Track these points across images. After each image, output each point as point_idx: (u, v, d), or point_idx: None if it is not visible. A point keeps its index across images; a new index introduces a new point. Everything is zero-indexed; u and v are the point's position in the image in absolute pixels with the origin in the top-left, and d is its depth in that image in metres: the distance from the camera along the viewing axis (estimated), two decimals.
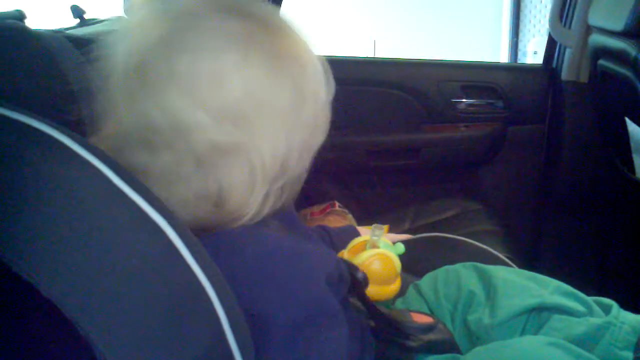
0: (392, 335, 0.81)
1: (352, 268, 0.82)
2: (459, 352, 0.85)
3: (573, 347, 0.74)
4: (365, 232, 1.12)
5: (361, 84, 2.02)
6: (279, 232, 0.72)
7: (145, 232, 0.46)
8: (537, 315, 0.86)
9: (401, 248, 0.94)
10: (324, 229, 1.10)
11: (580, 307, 0.85)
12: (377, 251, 0.90)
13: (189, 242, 0.48)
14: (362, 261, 0.88)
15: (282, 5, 1.95)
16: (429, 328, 0.81)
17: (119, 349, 0.43)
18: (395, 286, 0.92)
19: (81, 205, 0.45)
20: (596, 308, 0.86)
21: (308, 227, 0.84)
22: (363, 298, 0.81)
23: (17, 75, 0.69)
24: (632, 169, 1.62)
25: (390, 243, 0.94)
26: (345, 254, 0.93)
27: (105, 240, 0.44)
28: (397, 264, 0.91)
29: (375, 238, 0.92)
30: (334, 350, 0.65)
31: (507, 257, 1.36)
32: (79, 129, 0.72)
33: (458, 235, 1.43)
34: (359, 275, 0.81)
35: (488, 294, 0.91)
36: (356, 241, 0.95)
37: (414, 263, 1.04)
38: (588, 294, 0.91)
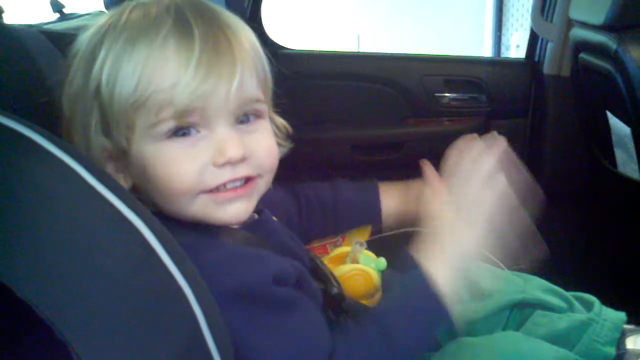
0: None
1: (327, 283, 0.82)
2: (438, 347, 0.85)
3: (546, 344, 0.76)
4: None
5: (345, 79, 2.02)
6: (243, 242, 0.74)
7: (121, 232, 0.46)
8: (519, 311, 0.87)
9: (383, 263, 0.91)
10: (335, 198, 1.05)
11: (561, 303, 0.86)
12: (356, 267, 0.88)
13: (164, 241, 0.47)
14: (340, 275, 0.87)
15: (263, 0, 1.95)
16: None
17: (95, 350, 0.42)
18: (374, 299, 0.91)
19: (56, 205, 0.44)
20: (576, 304, 0.87)
21: (284, 239, 0.82)
22: (339, 310, 0.81)
23: None
24: (613, 163, 1.63)
25: (373, 257, 0.92)
26: (324, 261, 0.92)
27: (81, 240, 0.44)
28: (377, 279, 0.89)
29: (356, 253, 0.90)
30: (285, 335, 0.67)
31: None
32: (54, 124, 0.71)
33: None
34: (334, 290, 0.81)
35: (471, 290, 0.92)
36: (337, 251, 0.94)
37: (397, 258, 1.03)
38: (571, 287, 0.92)
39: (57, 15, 1.48)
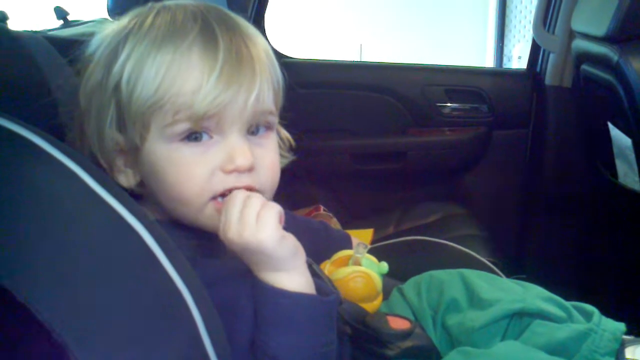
0: (369, 343, 0.80)
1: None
2: (438, 356, 0.85)
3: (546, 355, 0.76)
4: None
5: (347, 88, 2.03)
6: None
7: (121, 235, 0.46)
8: (518, 320, 0.87)
9: (385, 267, 0.92)
10: (326, 227, 1.10)
11: (560, 313, 0.86)
12: (359, 269, 0.89)
13: (164, 246, 0.48)
14: (342, 277, 0.87)
15: (266, 9, 1.95)
16: (406, 334, 0.80)
17: (94, 354, 0.42)
18: (375, 303, 0.90)
19: (57, 208, 0.44)
20: (575, 314, 0.87)
21: None
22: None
23: None
24: (614, 174, 1.63)
25: (375, 261, 0.92)
26: (327, 264, 0.93)
27: (81, 244, 0.44)
28: (378, 283, 0.89)
29: (358, 255, 0.91)
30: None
31: (491, 261, 1.36)
32: (57, 130, 0.72)
33: (442, 239, 1.44)
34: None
35: (471, 300, 0.91)
36: (340, 254, 0.94)
37: (397, 266, 1.04)
38: (571, 298, 0.92)
39: (61, 22, 1.49)
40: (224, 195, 0.70)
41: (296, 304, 0.67)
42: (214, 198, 0.70)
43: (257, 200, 0.67)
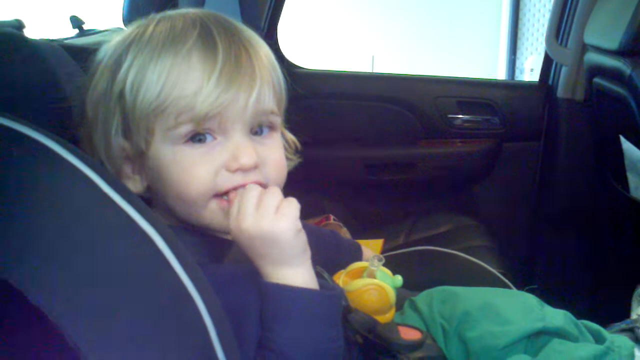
0: (379, 353, 0.80)
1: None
2: None
3: None
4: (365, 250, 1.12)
5: (359, 99, 2.03)
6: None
7: (133, 240, 0.46)
8: (534, 338, 0.86)
9: (399, 281, 0.92)
10: (336, 236, 1.11)
11: (574, 331, 0.85)
12: (373, 281, 0.89)
13: (177, 251, 0.48)
14: (356, 288, 0.88)
15: (279, 20, 1.97)
16: (417, 345, 0.80)
17: (106, 356, 0.42)
18: (388, 316, 0.91)
19: (70, 211, 0.45)
20: (585, 331, 0.87)
21: None
22: (345, 322, 0.81)
23: (11, 82, 0.69)
24: (626, 187, 1.63)
25: (389, 274, 0.93)
26: (342, 275, 0.93)
27: (93, 247, 0.44)
28: (392, 296, 0.89)
29: (373, 268, 0.91)
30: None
31: (501, 273, 1.36)
32: (73, 137, 0.73)
33: (452, 250, 1.43)
34: (341, 303, 0.81)
35: (486, 314, 0.90)
36: (355, 266, 0.94)
37: (408, 276, 1.03)
38: (581, 310, 0.91)
39: (77, 31, 1.50)
40: (228, 193, 0.72)
41: (301, 298, 0.68)
42: (217, 196, 0.72)
43: (276, 193, 0.69)
